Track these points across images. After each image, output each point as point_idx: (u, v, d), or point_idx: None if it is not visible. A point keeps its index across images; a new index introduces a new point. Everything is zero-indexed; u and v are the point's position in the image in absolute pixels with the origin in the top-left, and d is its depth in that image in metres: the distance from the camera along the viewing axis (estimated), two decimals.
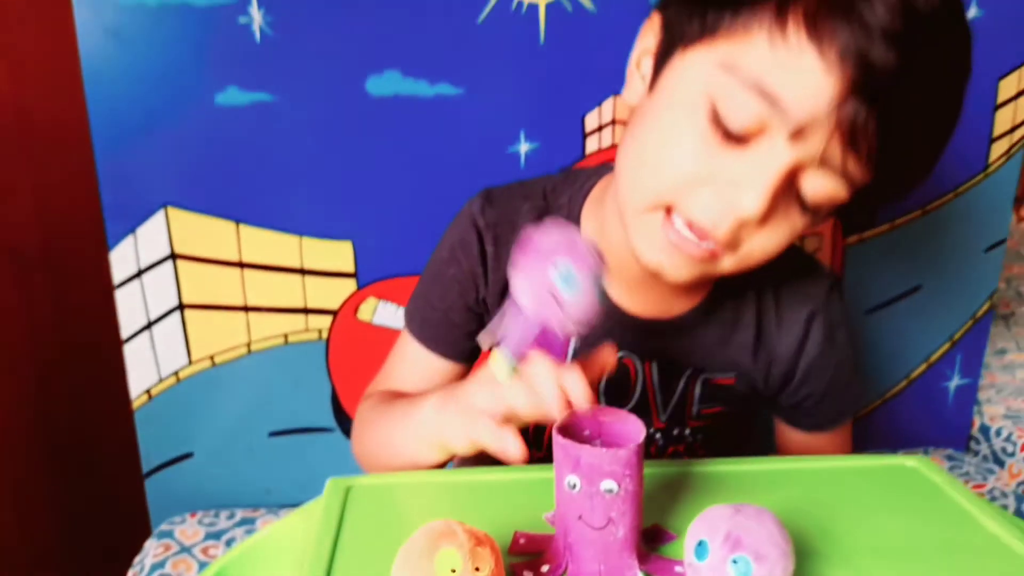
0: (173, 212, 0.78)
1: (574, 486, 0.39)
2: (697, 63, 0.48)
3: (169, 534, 0.81)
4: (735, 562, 0.37)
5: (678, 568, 0.41)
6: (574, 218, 0.62)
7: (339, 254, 0.82)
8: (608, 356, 0.47)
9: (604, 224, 0.60)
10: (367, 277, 0.84)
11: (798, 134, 0.45)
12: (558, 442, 0.40)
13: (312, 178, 0.80)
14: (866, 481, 0.53)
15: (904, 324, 0.96)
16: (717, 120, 0.46)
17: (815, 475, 0.53)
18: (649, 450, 0.68)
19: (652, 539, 0.44)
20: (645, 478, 0.41)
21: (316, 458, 0.87)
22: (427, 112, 0.79)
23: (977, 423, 1.08)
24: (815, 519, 0.47)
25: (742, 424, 0.70)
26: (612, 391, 0.64)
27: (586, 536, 0.40)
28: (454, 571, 0.35)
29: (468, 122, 0.80)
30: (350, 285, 0.84)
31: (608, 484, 0.39)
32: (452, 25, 0.77)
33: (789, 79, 0.44)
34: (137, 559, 0.80)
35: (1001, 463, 1.04)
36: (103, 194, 0.77)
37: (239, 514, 0.85)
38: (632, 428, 0.42)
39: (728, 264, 0.51)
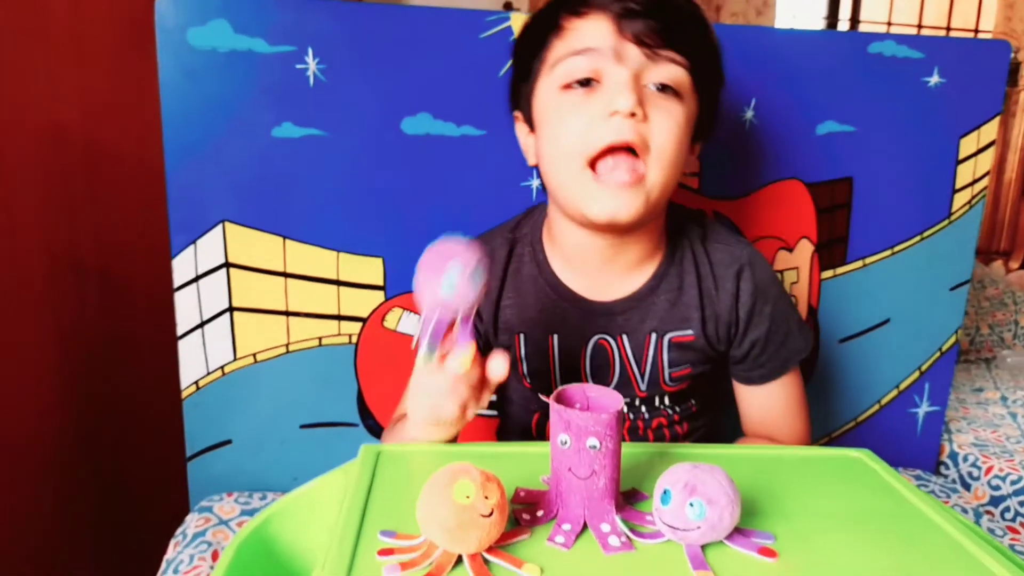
0: (230, 227, 0.89)
1: (565, 443, 0.50)
2: (542, 92, 0.70)
3: (208, 509, 0.91)
4: (691, 505, 0.47)
5: (648, 517, 0.51)
6: (536, 239, 0.78)
7: (371, 269, 0.93)
8: (497, 365, 0.61)
9: (556, 235, 0.75)
10: (394, 290, 0.94)
11: (616, 56, 0.65)
12: (554, 408, 0.50)
13: (351, 202, 0.90)
14: (813, 466, 0.62)
15: (875, 354, 1.05)
16: (569, 86, 0.67)
17: (769, 460, 0.62)
18: (637, 423, 0.79)
19: (630, 497, 0.55)
20: (629, 457, 0.51)
21: (341, 450, 0.96)
22: (453, 149, 0.90)
23: (947, 449, 1.16)
24: (764, 491, 0.56)
25: (708, 401, 0.82)
26: (597, 369, 0.77)
27: (573, 485, 0.50)
28: (468, 497, 0.45)
29: (488, 159, 0.90)
30: (379, 296, 0.94)
31: (592, 441, 0.49)
32: (476, 77, 0.88)
33: (586, 37, 0.66)
34: (179, 530, 0.89)
35: (967, 486, 1.12)
36: (170, 210, 0.88)
37: (270, 496, 0.94)
38: (613, 400, 0.52)
39: (654, 173, 0.66)
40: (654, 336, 0.75)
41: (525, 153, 0.76)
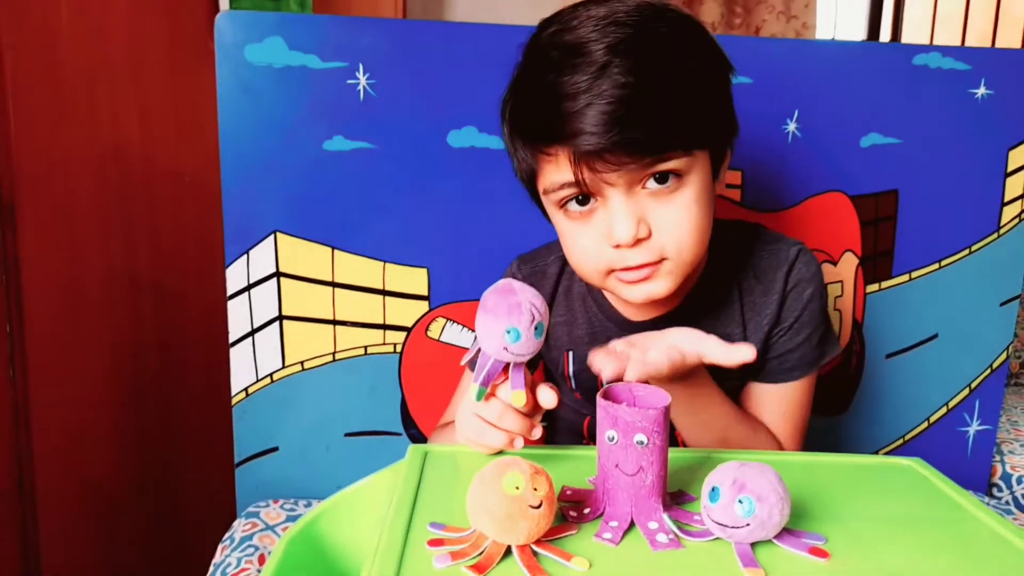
0: (281, 237, 0.92)
1: (612, 439, 0.50)
2: (544, 200, 0.69)
3: (255, 515, 0.92)
4: (741, 502, 0.47)
5: (696, 516, 0.51)
6: None
7: (416, 279, 0.95)
8: (546, 396, 0.60)
9: None
10: (438, 300, 0.95)
11: (602, 185, 0.62)
12: (601, 404, 0.51)
13: (398, 213, 0.92)
14: (864, 473, 0.61)
15: (922, 370, 1.04)
16: (566, 205, 0.66)
17: (818, 466, 0.62)
18: (675, 435, 0.78)
19: (676, 498, 0.55)
20: (675, 460, 0.51)
21: (384, 459, 0.96)
22: (497, 162, 0.92)
23: (999, 471, 1.13)
24: (813, 495, 0.55)
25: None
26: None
27: (621, 482, 0.50)
28: (518, 488, 0.46)
29: None
30: (423, 307, 0.96)
31: (640, 437, 0.49)
32: None
33: (565, 172, 0.63)
34: (227, 535, 0.91)
35: (1022, 508, 1.09)
36: (226, 220, 0.91)
37: (315, 504, 0.96)
38: (659, 398, 0.53)
39: (679, 260, 0.65)
40: None
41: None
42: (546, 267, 0.80)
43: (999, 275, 1.02)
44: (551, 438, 0.90)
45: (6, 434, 1.15)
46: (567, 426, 0.84)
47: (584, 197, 0.65)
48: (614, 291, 0.69)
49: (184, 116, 1.21)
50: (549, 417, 0.90)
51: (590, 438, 0.82)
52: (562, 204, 0.66)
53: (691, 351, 0.63)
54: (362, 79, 0.89)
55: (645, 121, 0.60)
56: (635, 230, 0.63)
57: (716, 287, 0.75)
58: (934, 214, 1.00)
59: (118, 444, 1.22)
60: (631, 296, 0.67)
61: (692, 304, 0.75)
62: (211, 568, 0.86)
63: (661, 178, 0.63)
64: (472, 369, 0.81)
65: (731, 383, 0.80)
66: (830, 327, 0.79)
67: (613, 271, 0.66)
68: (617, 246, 0.64)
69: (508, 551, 0.46)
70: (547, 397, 0.59)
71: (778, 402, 0.77)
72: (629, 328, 0.75)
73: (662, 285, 0.66)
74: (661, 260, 0.65)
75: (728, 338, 0.74)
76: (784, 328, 0.75)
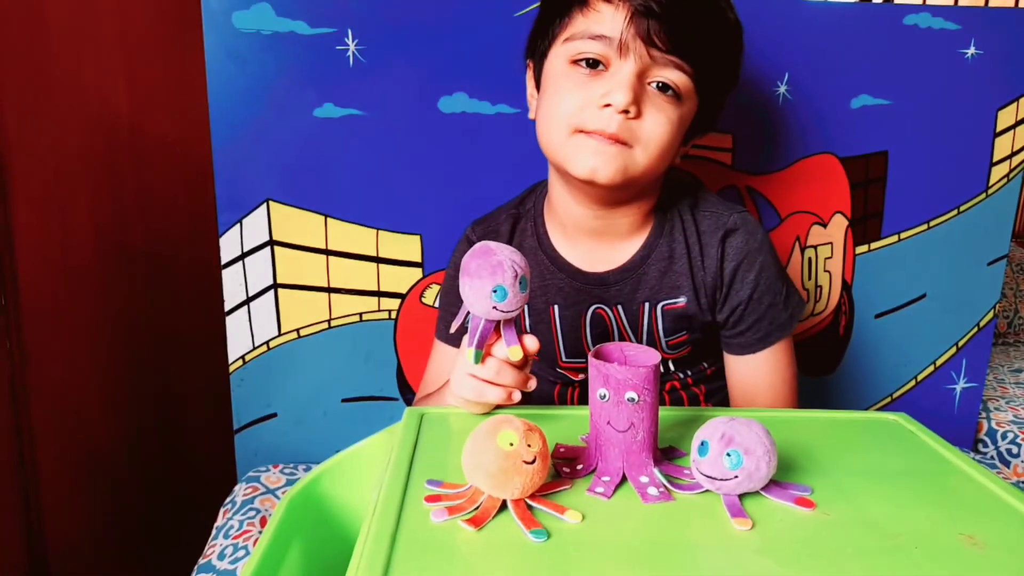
0: (274, 205, 0.92)
1: (604, 396, 0.51)
2: (554, 57, 0.72)
3: (256, 479, 0.94)
4: (728, 455, 0.48)
5: (686, 471, 0.52)
6: (539, 213, 0.81)
7: (409, 246, 0.95)
8: (530, 341, 0.61)
9: (553, 203, 0.79)
10: (432, 267, 0.96)
11: (623, 50, 0.67)
12: (593, 363, 0.52)
13: (390, 181, 0.93)
14: (850, 427, 0.62)
15: (911, 329, 1.05)
16: (577, 63, 0.69)
17: (804, 421, 0.63)
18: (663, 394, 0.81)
19: (667, 454, 0.56)
20: (665, 419, 0.52)
21: (381, 423, 0.97)
22: (488, 128, 0.92)
23: (984, 427, 1.16)
24: (800, 449, 0.57)
25: (720, 365, 0.82)
26: (597, 338, 0.80)
27: (612, 438, 0.52)
28: (512, 444, 0.47)
29: (523, 137, 0.90)
30: (417, 273, 0.96)
31: (631, 394, 0.50)
32: (511, 57, 0.89)
33: (604, 23, 0.68)
34: (228, 498, 0.92)
35: (1007, 463, 1.11)
36: (218, 189, 0.91)
37: (314, 468, 0.97)
38: (649, 356, 0.54)
39: (640, 156, 0.69)
40: (647, 305, 0.78)
41: (529, 105, 0.78)
42: (498, 226, 0.83)
43: (987, 235, 1.03)
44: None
45: (5, 406, 1.16)
46: (538, 399, 0.85)
47: (596, 62, 0.68)
48: (563, 160, 0.70)
49: (172, 84, 1.20)
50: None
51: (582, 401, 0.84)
52: (575, 61, 0.69)
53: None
54: (351, 45, 0.89)
55: (695, 19, 0.68)
56: (631, 100, 0.66)
57: (665, 241, 0.77)
58: (923, 175, 1.00)
59: (117, 413, 1.23)
60: (578, 166, 0.69)
61: (642, 257, 0.77)
62: (214, 531, 0.88)
63: (663, 88, 0.69)
64: (444, 338, 0.84)
65: (699, 368, 0.82)
66: (791, 286, 0.80)
67: (581, 131, 0.68)
68: (606, 106, 0.67)
69: (503, 505, 0.47)
70: (530, 342, 0.61)
71: (766, 369, 0.78)
72: (581, 278, 0.78)
73: (612, 167, 0.68)
74: (626, 145, 0.68)
75: (677, 291, 0.77)
76: (744, 301, 0.76)
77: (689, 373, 0.82)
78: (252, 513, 0.87)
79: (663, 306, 0.77)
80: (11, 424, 1.16)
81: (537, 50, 0.75)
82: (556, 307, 0.79)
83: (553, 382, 0.84)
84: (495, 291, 0.57)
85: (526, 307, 0.80)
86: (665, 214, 0.78)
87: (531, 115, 0.77)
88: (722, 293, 0.77)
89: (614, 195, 0.73)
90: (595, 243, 0.78)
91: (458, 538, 0.44)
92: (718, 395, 0.83)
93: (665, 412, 0.62)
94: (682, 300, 0.77)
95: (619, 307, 0.78)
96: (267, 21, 0.87)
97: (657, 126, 0.69)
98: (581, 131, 0.69)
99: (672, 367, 0.82)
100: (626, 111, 0.66)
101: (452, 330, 0.68)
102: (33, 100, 1.12)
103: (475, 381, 0.61)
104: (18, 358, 1.16)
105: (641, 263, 0.77)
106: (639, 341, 0.79)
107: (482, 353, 0.60)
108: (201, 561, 0.82)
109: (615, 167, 0.68)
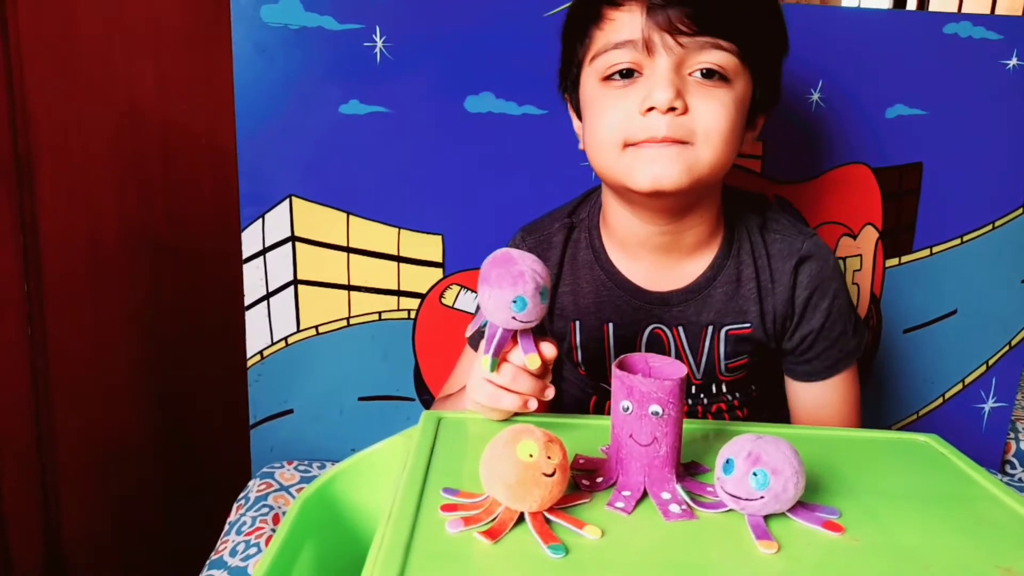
0: (296, 201, 0.92)
1: (627, 409, 0.50)
2: (586, 81, 0.69)
3: (270, 475, 0.94)
4: (755, 474, 0.47)
5: (709, 488, 0.51)
6: (594, 225, 0.77)
7: (430, 246, 0.94)
8: (546, 347, 0.60)
9: (610, 222, 0.75)
10: (453, 267, 0.95)
11: (650, 49, 0.63)
12: (616, 374, 0.51)
13: (414, 179, 0.92)
14: (879, 448, 0.61)
15: (940, 346, 1.03)
16: (610, 78, 0.66)
17: (833, 440, 0.61)
18: (696, 408, 0.79)
19: (690, 469, 0.55)
20: (689, 432, 0.51)
21: (397, 423, 0.98)
22: (514, 128, 0.91)
23: (1013, 448, 1.12)
24: (828, 469, 0.55)
25: (770, 387, 0.80)
26: None
27: (635, 452, 0.50)
28: (531, 455, 0.46)
29: (550, 138, 0.91)
30: (437, 273, 0.95)
31: (655, 408, 0.49)
32: (540, 56, 0.88)
33: (624, 29, 0.65)
34: (242, 494, 0.92)
35: None
36: (241, 184, 0.90)
37: (329, 466, 0.97)
38: (675, 369, 0.52)
39: (704, 152, 0.64)
40: (711, 328, 0.74)
41: (578, 136, 0.76)
42: (551, 235, 0.79)
43: (1021, 252, 1.00)
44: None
45: (25, 394, 1.16)
46: (573, 403, 0.84)
47: (628, 71, 0.65)
48: (623, 178, 0.66)
49: (200, 76, 1.20)
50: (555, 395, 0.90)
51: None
52: (606, 77, 0.66)
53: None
54: (379, 42, 0.88)
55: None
56: (672, 95, 0.62)
57: (733, 262, 0.74)
58: (958, 188, 0.98)
59: (136, 404, 1.24)
60: (639, 179, 0.64)
61: (708, 278, 0.74)
62: (226, 526, 0.87)
63: (708, 74, 0.64)
64: (472, 343, 0.81)
65: (748, 391, 0.79)
66: (857, 313, 0.78)
67: (630, 145, 0.65)
68: (650, 110, 0.63)
69: (521, 518, 0.46)
70: (548, 349, 0.60)
71: (834, 397, 0.76)
72: (641, 297, 0.75)
73: (675, 169, 0.64)
74: (686, 144, 0.64)
75: (744, 315, 0.73)
76: (815, 330, 0.74)
77: (738, 395, 0.79)
78: (265, 510, 0.87)
79: (727, 330, 0.74)
80: (31, 412, 1.17)
81: (568, 81, 0.73)
82: (611, 325, 0.76)
83: (591, 393, 0.82)
84: (515, 302, 0.56)
85: (577, 324, 0.78)
86: (732, 232, 0.74)
87: (581, 146, 0.74)
88: (793, 322, 0.74)
89: (680, 201, 0.69)
90: (659, 260, 0.74)
91: (474, 550, 0.43)
92: (760, 417, 0.81)
93: (689, 425, 0.61)
94: (748, 325, 0.74)
95: (680, 328, 0.75)
96: (295, 16, 0.86)
97: (712, 115, 0.64)
98: (631, 144, 0.65)
99: (723, 389, 0.79)
100: (672, 108, 0.62)
101: (467, 334, 0.66)
102: (61, 91, 1.13)
103: (491, 387, 0.60)
104: (40, 346, 1.16)
105: (707, 284, 0.74)
106: (698, 364, 0.76)
107: (498, 361, 0.59)
108: (213, 557, 0.82)
109: (678, 169, 0.64)
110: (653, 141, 0.64)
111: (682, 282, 0.74)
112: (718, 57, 0.64)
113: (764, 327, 0.74)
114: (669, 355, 0.76)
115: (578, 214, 0.80)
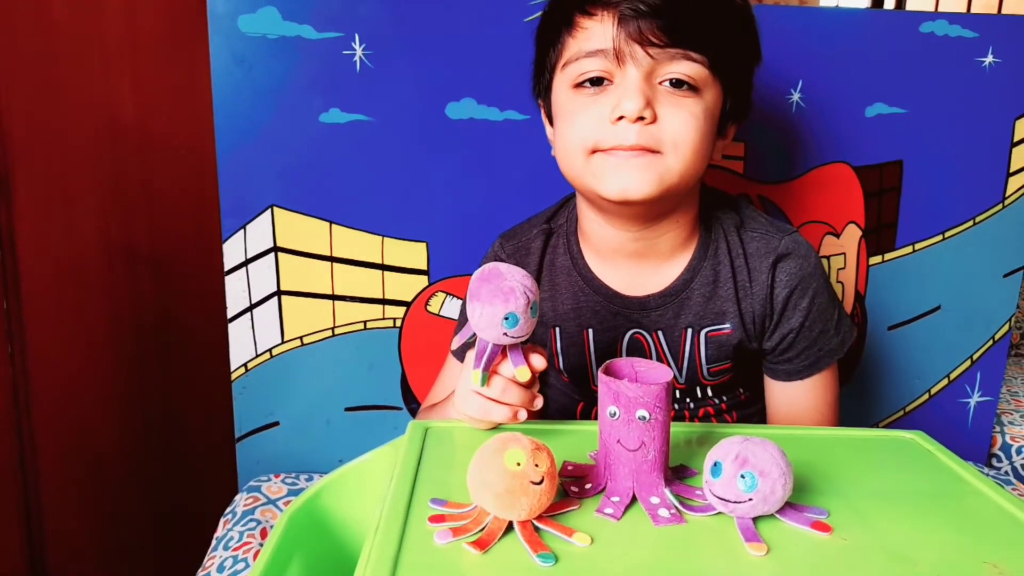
0: (278, 211, 0.91)
1: (614, 414, 0.50)
2: (558, 87, 0.70)
3: (257, 489, 0.93)
4: (743, 477, 0.46)
5: (697, 491, 0.51)
6: (572, 231, 0.77)
7: (415, 253, 0.94)
8: (536, 359, 0.60)
9: (585, 229, 0.75)
10: (438, 274, 0.95)
11: (620, 59, 0.64)
12: (603, 380, 0.50)
13: (396, 187, 0.91)
14: (866, 446, 0.61)
15: (924, 342, 1.03)
16: (581, 85, 0.66)
17: (820, 440, 0.61)
18: (683, 413, 0.78)
19: (678, 472, 0.54)
20: (677, 435, 0.50)
21: (384, 433, 0.97)
22: (497, 134, 0.91)
23: (999, 441, 1.13)
24: (816, 469, 0.55)
25: (758, 391, 0.80)
26: None
27: (622, 457, 0.50)
28: (519, 464, 0.45)
29: (532, 144, 0.91)
30: (422, 281, 0.95)
31: (642, 412, 0.49)
32: (520, 62, 0.87)
33: (595, 38, 0.65)
34: (229, 508, 0.91)
35: (1022, 479, 1.09)
36: (222, 194, 0.90)
37: (316, 477, 0.96)
38: (661, 373, 0.52)
39: (673, 161, 0.65)
40: (690, 331, 0.74)
41: (550, 142, 0.76)
42: (529, 242, 0.79)
43: (1003, 247, 1.01)
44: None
45: (6, 411, 1.15)
46: (559, 410, 0.83)
47: (599, 79, 0.65)
48: (592, 184, 0.66)
49: (178, 88, 1.19)
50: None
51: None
52: (577, 84, 0.66)
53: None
54: (358, 50, 0.87)
55: (689, 8, 0.64)
56: (642, 104, 0.63)
57: (710, 264, 0.74)
58: (939, 185, 0.99)
59: (119, 419, 1.22)
60: (607, 187, 0.65)
61: (685, 281, 0.74)
62: (213, 542, 0.86)
63: (677, 84, 0.64)
64: (456, 355, 0.81)
65: (735, 394, 0.79)
66: (842, 309, 0.77)
67: (599, 151, 0.65)
68: (619, 119, 0.63)
69: (509, 527, 0.45)
70: (537, 361, 0.60)
71: (812, 395, 0.76)
72: (619, 302, 0.75)
73: (644, 179, 0.64)
74: (656, 152, 0.64)
75: (722, 317, 0.73)
76: (795, 329, 0.74)
77: (725, 399, 0.79)
78: (252, 524, 0.86)
79: (707, 332, 0.74)
80: (13, 428, 1.15)
81: (541, 86, 0.73)
82: (591, 331, 0.76)
83: (577, 400, 0.82)
84: (507, 318, 0.56)
85: (558, 330, 0.77)
86: (709, 233, 0.74)
87: (553, 152, 0.74)
88: (772, 321, 0.74)
89: (652, 210, 0.69)
90: (635, 266, 0.74)
91: (463, 561, 0.42)
92: (750, 421, 0.80)
93: (676, 428, 0.60)
94: (727, 326, 0.73)
95: (659, 333, 0.75)
96: (273, 25, 0.86)
97: (680, 124, 0.64)
98: (598, 150, 0.65)
99: (710, 393, 0.78)
100: (641, 117, 0.63)
101: (453, 348, 0.66)
102: (39, 102, 1.11)
103: (480, 399, 0.59)
104: (20, 362, 1.15)
105: (684, 287, 0.73)
106: (680, 368, 0.76)
107: (488, 375, 0.59)
108: (200, 573, 0.81)
109: (647, 179, 0.64)
110: (622, 148, 0.64)
111: (659, 286, 0.74)
112: (688, 68, 0.64)
113: (744, 327, 0.74)
114: (650, 359, 0.77)
115: (556, 220, 0.80)
